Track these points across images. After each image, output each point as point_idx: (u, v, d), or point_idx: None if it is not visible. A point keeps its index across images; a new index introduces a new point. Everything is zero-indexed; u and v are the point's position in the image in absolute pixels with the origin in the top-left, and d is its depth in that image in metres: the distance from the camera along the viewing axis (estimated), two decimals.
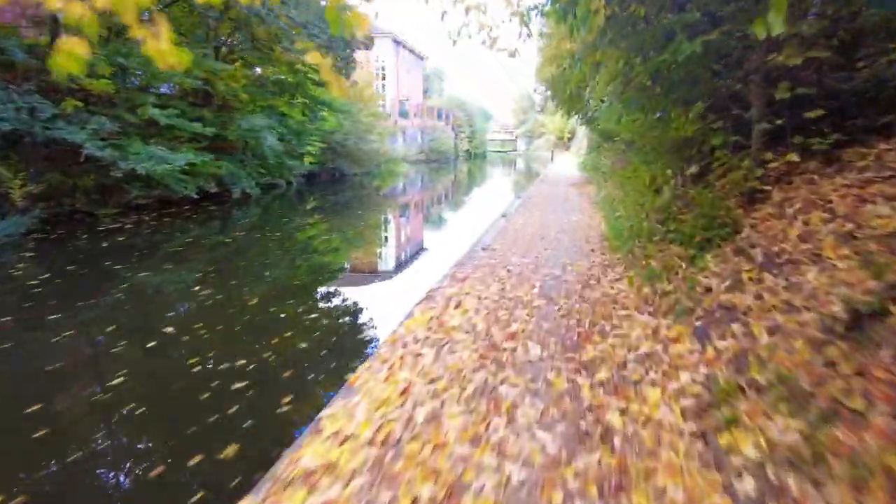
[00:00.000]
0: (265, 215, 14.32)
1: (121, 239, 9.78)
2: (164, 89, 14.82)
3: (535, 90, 17.56)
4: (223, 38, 15.49)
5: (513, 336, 4.09)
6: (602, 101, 13.56)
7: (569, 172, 24.43)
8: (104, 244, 9.36)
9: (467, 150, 58.86)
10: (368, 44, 19.95)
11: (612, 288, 5.31)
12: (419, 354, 3.74)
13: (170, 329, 5.34)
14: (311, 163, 20.86)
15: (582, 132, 43.12)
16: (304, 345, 5.05)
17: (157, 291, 6.94)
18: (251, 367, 4.44)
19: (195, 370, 4.39)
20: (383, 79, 45.87)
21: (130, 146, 11.64)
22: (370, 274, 8.47)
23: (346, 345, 5.30)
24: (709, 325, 3.48)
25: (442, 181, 29.92)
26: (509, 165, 50.84)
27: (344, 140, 22.72)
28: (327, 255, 9.86)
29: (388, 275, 8.45)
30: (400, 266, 9.13)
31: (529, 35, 7.01)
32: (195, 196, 13.22)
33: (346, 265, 9.09)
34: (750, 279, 3.62)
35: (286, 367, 4.49)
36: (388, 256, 9.99)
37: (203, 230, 11.44)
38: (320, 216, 14.81)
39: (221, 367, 4.44)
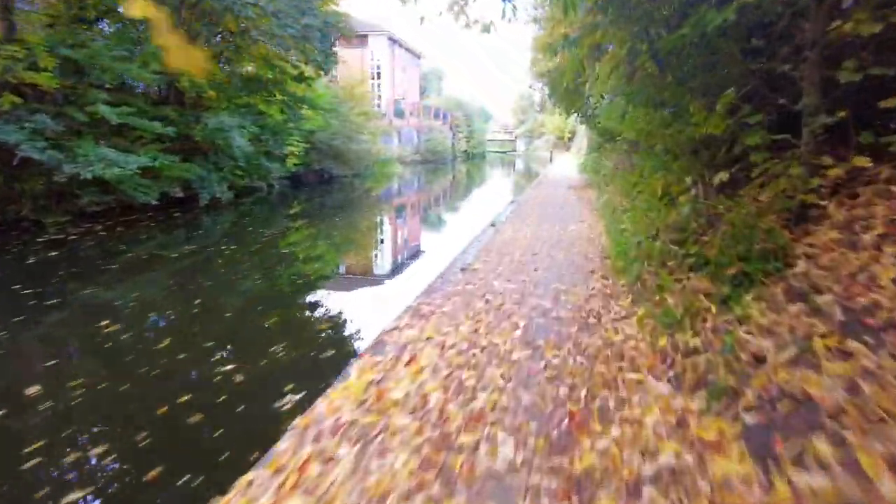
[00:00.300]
0: (237, 222, 13.11)
1: (53, 253, 8.55)
2: (142, 87, 13.67)
3: (530, 86, 15.71)
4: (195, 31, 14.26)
5: (477, 418, 2.86)
6: (602, 98, 12.33)
7: (568, 174, 23.19)
8: (31, 259, 8.15)
9: (465, 151, 57.65)
10: (347, 33, 18.65)
11: (617, 332, 4.07)
12: (330, 459, 2.50)
13: (31, 390, 4.10)
14: (295, 164, 19.67)
15: (582, 131, 41.89)
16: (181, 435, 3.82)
17: (45, 336, 5.68)
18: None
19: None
20: (378, 77, 44.64)
21: (79, 147, 10.43)
22: (321, 309, 7.08)
23: (238, 437, 3.58)
24: (769, 427, 2.23)
25: (436, 183, 28.70)
26: (508, 166, 49.59)
27: (331, 140, 21.50)
28: (276, 280, 8.64)
29: (341, 307, 7.00)
30: (362, 292, 7.85)
31: (514, 11, 5.81)
32: (157, 202, 12.02)
33: (300, 291, 7.86)
34: (827, 348, 2.39)
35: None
36: (350, 280, 8.70)
37: (156, 242, 10.22)
38: (295, 224, 13.60)
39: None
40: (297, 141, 19.11)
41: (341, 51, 45.02)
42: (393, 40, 46.04)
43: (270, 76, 15.10)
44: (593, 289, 5.37)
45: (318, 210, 16.40)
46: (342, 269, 9.30)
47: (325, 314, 6.49)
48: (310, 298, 7.21)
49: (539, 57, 16.32)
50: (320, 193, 20.26)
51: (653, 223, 5.82)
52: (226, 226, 12.57)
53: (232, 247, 10.10)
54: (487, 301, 5.01)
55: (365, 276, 8.81)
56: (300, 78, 15.61)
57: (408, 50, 50.68)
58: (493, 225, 9.68)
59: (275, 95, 15.55)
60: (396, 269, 9.30)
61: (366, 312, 6.42)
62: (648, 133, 6.25)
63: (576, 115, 19.91)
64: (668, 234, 5.04)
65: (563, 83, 15.31)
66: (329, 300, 6.99)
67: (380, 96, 43.75)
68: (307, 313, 6.65)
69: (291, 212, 15.72)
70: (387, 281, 8.37)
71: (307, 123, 20.65)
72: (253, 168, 15.99)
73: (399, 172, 31.58)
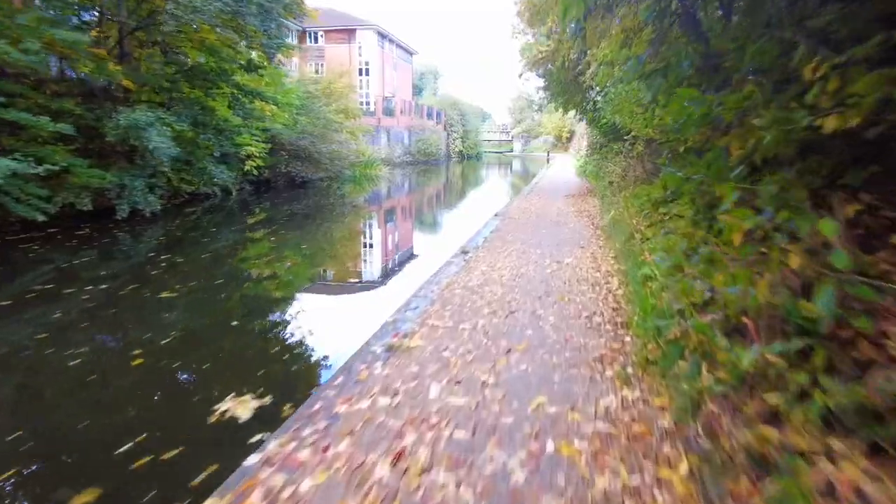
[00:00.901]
0: (172, 238, 10.61)
1: None
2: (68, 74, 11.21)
3: (520, 74, 13.04)
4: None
5: None
6: (606, 87, 9.87)
7: (566, 177, 20.73)
8: None
9: (460, 151, 55.16)
10: (296, 10, 16.09)
11: None
12: None
13: None
14: (257, 167, 17.19)
15: (581, 130, 39.41)
16: None
17: None
18: None
19: None
20: (367, 74, 42.14)
21: None
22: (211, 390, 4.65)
23: None
24: None
25: (422, 188, 26.20)
26: (503, 168, 47.08)
27: (298, 140, 18.97)
28: (191, 327, 6.12)
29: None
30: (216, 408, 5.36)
31: None
32: (59, 216, 9.57)
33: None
34: None
35: None
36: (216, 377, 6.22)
37: (34, 274, 7.71)
38: (247, 236, 11.12)
39: None
40: (256, 141, 16.63)
41: (326, 46, 42.56)
42: (382, 35, 43.53)
43: (212, 64, 12.58)
44: (610, 414, 2.87)
45: (277, 221, 13.91)
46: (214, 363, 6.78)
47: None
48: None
49: (527, 35, 13.80)
50: (288, 200, 17.76)
51: (706, 272, 3.26)
52: (152, 243, 10.08)
53: (155, 271, 7.66)
54: (394, 465, 2.50)
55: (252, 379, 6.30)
56: (250, 67, 13.11)
57: (399, 46, 48.15)
58: (464, 253, 7.18)
59: (219, 88, 13.04)
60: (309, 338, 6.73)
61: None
62: (688, 125, 3.75)
63: (575, 111, 17.43)
64: (767, 312, 2.52)
65: (560, 62, 12.83)
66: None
67: (368, 94, 41.28)
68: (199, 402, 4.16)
69: (249, 222, 13.25)
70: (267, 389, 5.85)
71: (271, 121, 18.18)
72: (196, 172, 13.50)
73: (384, 175, 29.08)
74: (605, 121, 12.85)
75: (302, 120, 19.42)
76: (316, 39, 42.51)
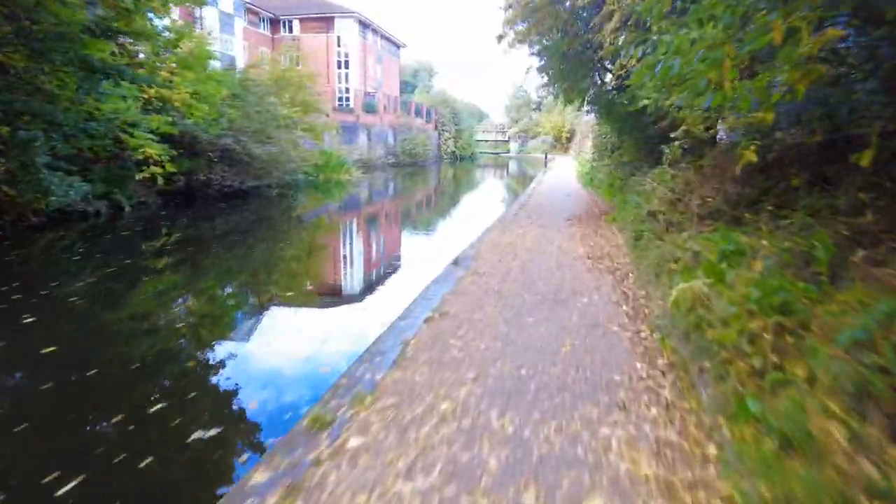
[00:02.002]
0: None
1: None
2: None
3: (499, 36, 8.32)
4: None
5: None
6: (639, 49, 5.42)
7: (566, 187, 16.29)
8: None
9: (452, 152, 50.67)
10: None
11: None
12: None
13: None
14: (163, 174, 12.78)
15: (584, 129, 34.92)
16: None
17: None
18: None
19: None
20: (346, 67, 37.65)
21: None
22: None
23: None
24: None
25: (389, 199, 21.71)
26: (496, 170, 42.55)
27: (218, 139, 14.47)
28: None
29: None
30: None
31: None
32: None
33: None
34: None
35: None
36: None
37: None
38: (90, 282, 6.62)
39: None
40: (151, 140, 12.19)
41: (302, 36, 38.09)
42: (364, 24, 39.04)
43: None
44: None
45: (176, 249, 9.49)
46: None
47: None
48: None
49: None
50: (212, 216, 13.38)
51: None
52: None
53: None
54: None
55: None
56: (101, 29, 8.62)
57: (385, 37, 43.64)
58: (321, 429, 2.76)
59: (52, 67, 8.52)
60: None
61: None
62: None
63: (580, 102, 12.97)
64: None
65: (557, 23, 8.43)
66: None
67: (347, 88, 36.83)
68: None
69: (142, 249, 8.89)
70: None
71: (186, 114, 13.73)
72: (30, 184, 9.06)
73: (357, 180, 24.64)
74: (629, 108, 8.43)
75: (230, 114, 14.96)
76: (290, 29, 38.04)
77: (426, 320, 4.20)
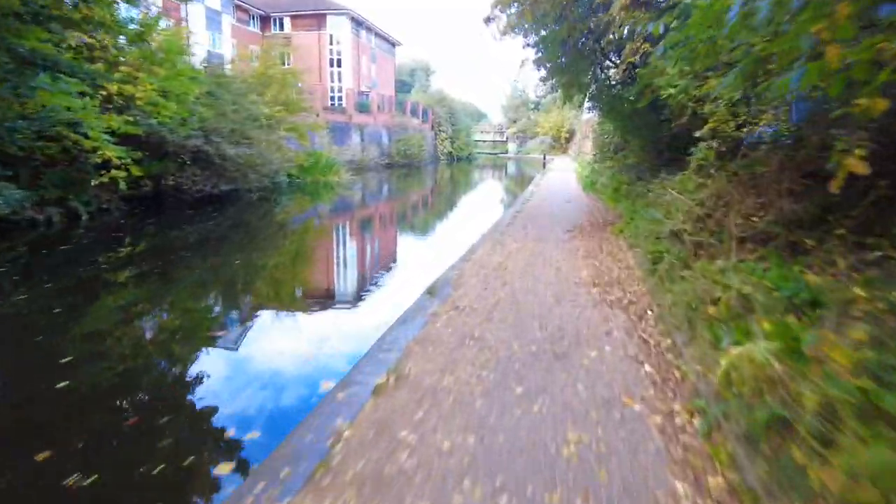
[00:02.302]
0: None
1: None
2: None
3: (486, 17, 7.07)
4: None
5: None
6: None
7: (566, 191, 15.11)
8: None
9: (449, 153, 49.45)
10: None
11: None
12: None
13: None
14: (125, 178, 11.59)
15: (584, 129, 33.77)
16: None
17: None
18: None
19: None
20: (338, 65, 36.46)
21: None
22: None
23: None
24: None
25: (382, 202, 20.52)
26: (493, 171, 41.38)
27: (187, 140, 13.28)
28: None
29: None
30: None
31: None
32: None
33: None
34: None
35: None
36: None
37: None
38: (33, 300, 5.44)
39: None
40: (108, 141, 11.01)
41: (293, 34, 36.92)
42: (358, 22, 37.86)
43: None
44: None
45: (143, 259, 8.33)
46: None
47: None
48: None
49: None
50: (181, 223, 12.23)
51: None
52: None
53: None
54: None
55: None
56: (32, 13, 7.42)
57: (379, 35, 42.47)
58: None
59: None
60: None
61: None
62: None
63: (581, 98, 11.79)
64: None
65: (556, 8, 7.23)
66: None
67: (340, 87, 35.64)
68: None
69: (99, 261, 7.72)
70: None
71: (154, 112, 12.55)
72: None
73: (347, 181, 23.44)
74: (637, 103, 7.26)
75: (202, 113, 13.76)
76: (281, 26, 36.86)
77: (375, 390, 3.02)
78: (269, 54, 19.79)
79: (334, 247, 11.48)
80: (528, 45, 10.76)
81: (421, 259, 9.08)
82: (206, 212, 13.56)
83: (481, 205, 18.01)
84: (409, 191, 24.36)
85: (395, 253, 10.75)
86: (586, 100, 11.37)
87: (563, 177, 20.83)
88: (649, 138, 10.04)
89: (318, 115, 28.73)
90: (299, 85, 21.47)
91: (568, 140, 51.53)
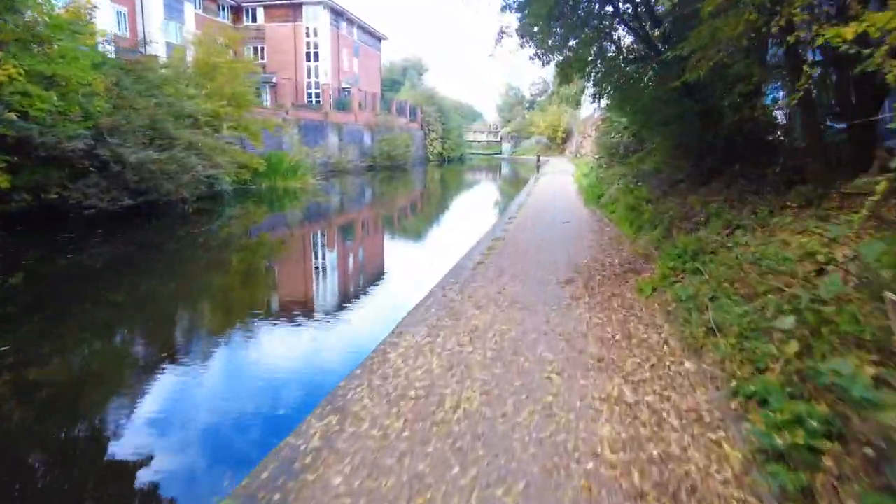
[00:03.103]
0: None
1: None
2: None
3: None
4: None
5: None
6: None
7: (563, 202, 11.95)
8: None
9: (440, 153, 46.29)
10: None
11: None
12: None
13: None
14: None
15: (585, 128, 30.71)
16: None
17: None
18: None
19: None
20: (315, 59, 33.24)
21: None
22: None
23: None
24: None
25: (333, 217, 17.30)
26: (484, 174, 38.23)
27: (68, 141, 10.08)
28: None
29: None
30: None
31: None
32: None
33: None
34: None
35: None
36: None
37: None
38: None
39: None
40: None
41: (267, 25, 33.73)
42: (337, 13, 34.59)
43: None
44: None
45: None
46: None
47: None
48: None
49: None
50: (91, 245, 9.20)
51: None
52: None
53: None
54: None
55: None
56: None
57: (363, 28, 39.22)
58: None
59: None
60: None
61: None
62: None
63: (588, 80, 8.64)
64: None
65: None
66: None
67: (317, 83, 32.42)
68: None
69: None
70: None
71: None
72: None
73: (313, 187, 20.28)
74: (674, 83, 4.21)
75: (97, 106, 10.56)
76: (254, 18, 33.60)
77: None
78: (213, 40, 16.56)
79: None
80: (507, 6, 7.62)
81: (350, 320, 5.91)
82: (132, 228, 10.57)
83: (453, 224, 14.69)
84: (379, 200, 21.08)
85: (347, 282, 7.56)
86: (589, 83, 8.24)
87: (559, 183, 17.67)
88: (683, 137, 6.94)
89: (287, 113, 25.62)
90: (260, 76, 18.26)
91: (565, 140, 48.42)
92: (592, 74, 8.11)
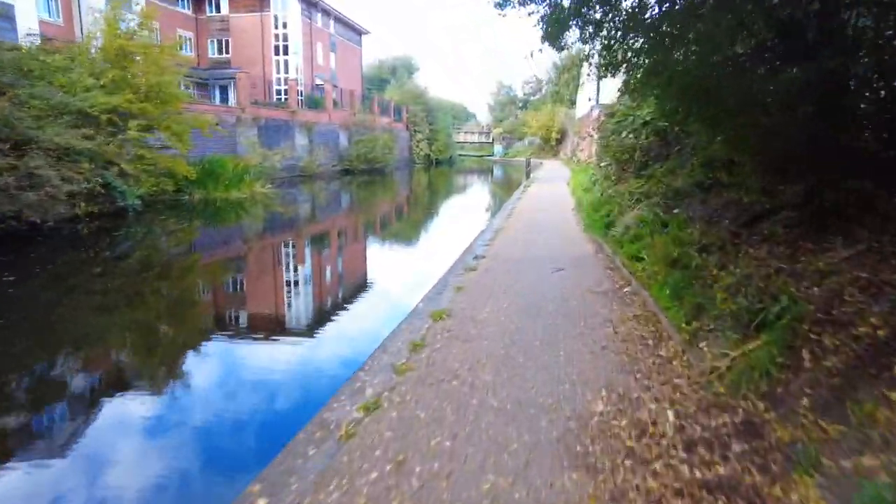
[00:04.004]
0: None
1: None
2: None
3: None
4: None
5: None
6: None
7: (553, 230, 8.57)
8: None
9: (427, 155, 42.97)
10: None
11: None
12: None
13: None
14: None
15: (582, 129, 27.51)
16: None
17: None
18: None
19: None
20: (284, 53, 29.78)
21: None
22: None
23: None
24: None
25: (291, 231, 13.87)
26: (472, 178, 34.86)
27: None
28: None
29: None
30: None
31: None
32: None
33: None
34: None
35: None
36: None
37: None
38: None
39: None
40: None
41: (231, 16, 30.26)
42: (310, 3, 31.06)
43: None
44: None
45: None
46: None
47: None
48: None
49: None
50: None
51: None
52: None
53: None
54: None
55: None
56: None
57: (341, 21, 35.79)
58: None
59: None
60: None
61: None
62: None
63: (590, 50, 5.35)
64: None
65: None
66: None
67: (286, 79, 28.96)
68: None
69: None
70: None
71: None
72: None
73: (264, 197, 16.91)
74: None
75: None
76: (218, 7, 30.11)
77: None
78: (117, 20, 13.11)
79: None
80: None
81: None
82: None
83: (414, 255, 11.34)
84: (336, 216, 17.63)
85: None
86: (597, 48, 4.93)
87: (552, 196, 14.30)
88: (777, 135, 3.65)
89: (243, 111, 22.24)
90: (177, 65, 14.84)
91: (559, 141, 45.13)
92: (601, 37, 4.82)
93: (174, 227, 12.37)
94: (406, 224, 15.37)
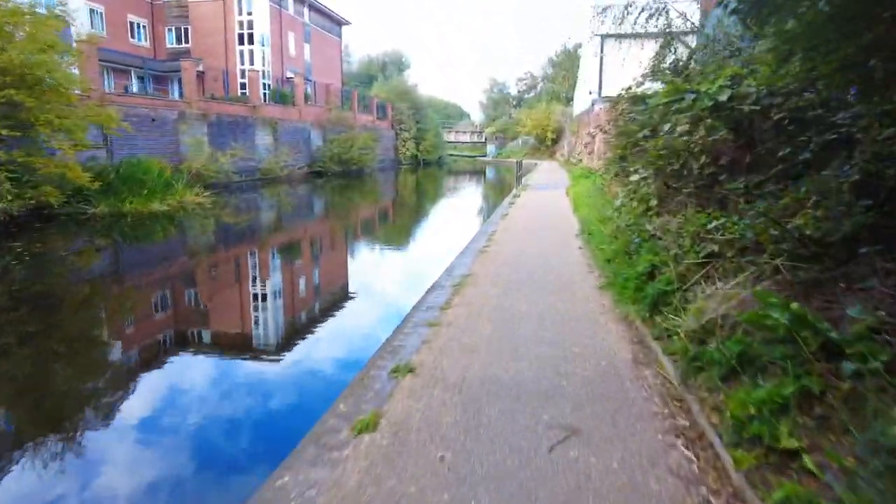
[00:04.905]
0: None
1: None
2: None
3: None
4: None
5: None
6: None
7: (551, 277, 5.40)
8: None
9: (414, 156, 39.73)
10: None
11: None
12: None
13: None
14: None
15: (580, 128, 24.38)
16: None
17: None
18: None
19: None
20: (250, 42, 26.42)
21: None
22: None
23: None
24: None
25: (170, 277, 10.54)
26: (461, 180, 31.58)
27: None
28: None
29: None
30: None
31: None
32: None
33: None
34: None
35: None
36: None
37: None
38: None
39: None
40: None
41: (191, 2, 26.64)
42: None
43: None
44: None
45: None
46: None
47: None
48: None
49: None
50: None
51: None
52: None
53: None
54: None
55: None
56: None
57: (316, 9, 32.39)
58: None
59: None
60: None
61: None
62: None
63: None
64: None
65: None
66: None
67: (251, 71, 25.63)
68: None
69: None
70: None
71: None
72: None
73: (196, 207, 13.65)
74: None
75: None
76: None
77: None
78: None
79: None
80: None
81: None
82: None
83: (358, 304, 8.12)
84: (279, 237, 14.35)
85: None
86: None
87: (548, 208, 11.03)
88: None
89: (189, 105, 18.91)
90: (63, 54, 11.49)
91: (555, 141, 41.89)
92: None
93: (59, 251, 9.04)
94: (370, 247, 12.01)
